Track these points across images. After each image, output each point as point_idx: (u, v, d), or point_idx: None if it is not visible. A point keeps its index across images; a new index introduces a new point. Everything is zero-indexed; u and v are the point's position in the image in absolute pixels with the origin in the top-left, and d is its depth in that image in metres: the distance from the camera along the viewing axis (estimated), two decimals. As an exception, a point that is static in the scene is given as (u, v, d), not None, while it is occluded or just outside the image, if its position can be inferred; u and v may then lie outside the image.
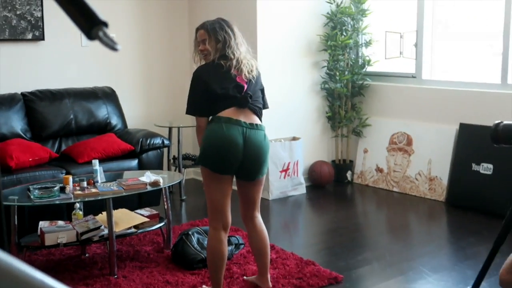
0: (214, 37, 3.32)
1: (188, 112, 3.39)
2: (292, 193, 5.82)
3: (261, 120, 3.38)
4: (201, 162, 3.27)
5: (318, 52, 6.05)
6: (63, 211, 4.40)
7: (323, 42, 5.97)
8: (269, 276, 3.58)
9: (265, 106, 3.48)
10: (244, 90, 3.29)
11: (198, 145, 3.38)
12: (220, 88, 3.25)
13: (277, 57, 5.79)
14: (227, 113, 3.24)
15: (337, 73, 6.03)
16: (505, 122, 2.50)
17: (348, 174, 6.27)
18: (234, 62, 3.29)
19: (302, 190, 5.89)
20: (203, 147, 3.26)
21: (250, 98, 3.28)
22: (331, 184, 6.18)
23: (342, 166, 6.28)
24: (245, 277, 3.72)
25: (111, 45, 1.01)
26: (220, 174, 3.25)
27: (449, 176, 5.42)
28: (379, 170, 6.03)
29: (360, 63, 6.10)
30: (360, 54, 6.19)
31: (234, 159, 3.21)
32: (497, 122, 2.51)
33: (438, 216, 5.22)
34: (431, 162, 5.58)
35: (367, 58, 6.05)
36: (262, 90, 3.49)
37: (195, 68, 3.41)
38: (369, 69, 6.13)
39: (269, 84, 5.69)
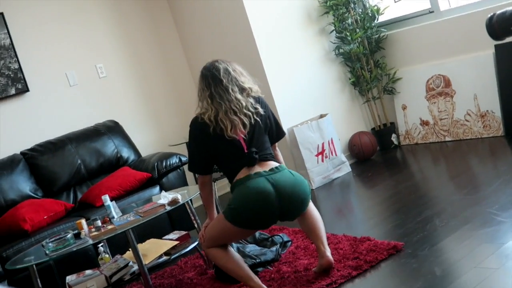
0: (202, 89, 3.51)
1: (190, 168, 3.65)
2: (336, 174, 5.72)
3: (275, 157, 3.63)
4: (232, 219, 3.41)
5: (320, 17, 5.95)
6: (93, 259, 4.41)
7: (322, 5, 5.87)
8: (328, 251, 3.56)
9: (280, 135, 3.68)
10: (245, 147, 3.45)
11: (202, 202, 3.76)
12: (215, 150, 3.48)
13: (276, 36, 5.70)
14: (242, 173, 3.44)
15: (348, 33, 5.91)
16: (497, 13, 2.35)
17: (393, 137, 6.12)
18: (227, 120, 3.40)
19: (346, 169, 5.78)
20: (234, 206, 3.41)
21: (256, 154, 3.44)
22: (377, 154, 6.06)
23: (384, 131, 6.15)
24: (313, 270, 3.65)
25: None
26: (250, 230, 3.53)
27: (501, 106, 5.26)
28: (424, 123, 5.88)
29: (369, 16, 5.96)
30: (367, 6, 6.05)
31: (271, 211, 3.39)
32: (489, 16, 2.36)
33: (500, 153, 5.04)
34: (477, 97, 5.42)
35: (375, 8, 5.91)
36: (272, 121, 3.63)
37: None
38: (380, 18, 6.00)
39: (276, 68, 5.67)
